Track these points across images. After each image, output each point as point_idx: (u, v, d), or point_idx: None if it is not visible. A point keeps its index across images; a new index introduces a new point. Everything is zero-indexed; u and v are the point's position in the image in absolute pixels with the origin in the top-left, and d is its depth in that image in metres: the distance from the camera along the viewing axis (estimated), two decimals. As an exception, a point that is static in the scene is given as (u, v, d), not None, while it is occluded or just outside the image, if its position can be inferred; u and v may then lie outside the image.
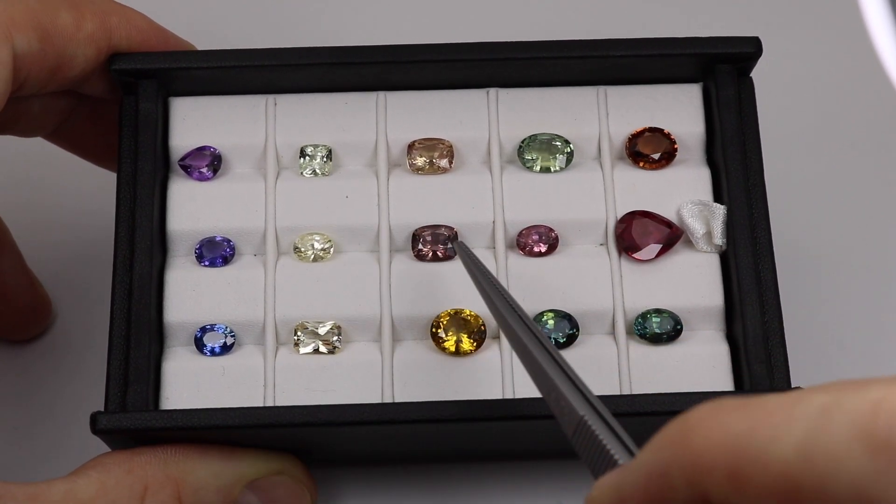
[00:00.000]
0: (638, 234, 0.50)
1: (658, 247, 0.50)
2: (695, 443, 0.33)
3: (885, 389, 0.30)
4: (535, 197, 0.51)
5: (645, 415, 0.47)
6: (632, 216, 0.51)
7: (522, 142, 0.52)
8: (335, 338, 0.50)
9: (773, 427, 0.31)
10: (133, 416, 0.47)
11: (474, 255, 0.47)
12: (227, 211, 0.51)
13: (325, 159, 0.52)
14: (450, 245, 0.51)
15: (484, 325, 0.50)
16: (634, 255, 0.51)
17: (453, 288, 0.50)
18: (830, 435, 0.31)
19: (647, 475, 0.34)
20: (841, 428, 0.30)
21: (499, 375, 0.49)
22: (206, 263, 0.51)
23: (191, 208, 0.51)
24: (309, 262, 0.51)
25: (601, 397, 0.47)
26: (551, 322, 0.50)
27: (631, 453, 0.38)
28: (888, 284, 0.58)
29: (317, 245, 0.51)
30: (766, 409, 0.32)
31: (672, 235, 0.51)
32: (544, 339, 0.42)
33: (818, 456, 0.31)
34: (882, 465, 0.30)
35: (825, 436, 0.31)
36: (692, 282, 0.50)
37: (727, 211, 0.50)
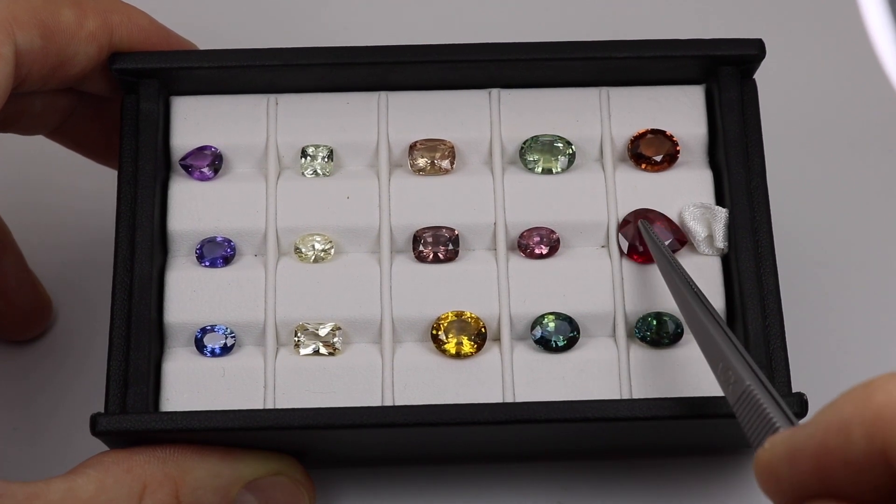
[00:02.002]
0: (642, 238, 0.50)
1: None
2: (877, 398, 0.35)
3: None
4: (536, 198, 0.51)
5: (646, 419, 0.47)
6: (640, 215, 0.51)
7: (524, 143, 0.52)
8: (335, 339, 0.50)
9: None
10: (133, 418, 0.47)
11: (655, 233, 0.50)
12: (227, 211, 0.51)
13: (326, 159, 0.52)
14: (451, 246, 0.51)
15: (485, 327, 0.50)
16: (634, 257, 0.50)
17: (454, 290, 0.50)
18: None
19: (825, 429, 0.36)
20: None
21: (499, 378, 0.49)
22: (207, 264, 0.51)
23: (191, 208, 0.51)
24: (310, 263, 0.51)
25: (601, 402, 0.47)
26: (552, 324, 0.50)
27: (791, 422, 0.41)
28: (890, 287, 0.58)
29: (317, 246, 0.51)
30: None
31: (675, 242, 0.50)
32: (717, 316, 0.45)
33: None
34: None
35: None
36: (694, 285, 0.50)
37: (729, 214, 0.50)
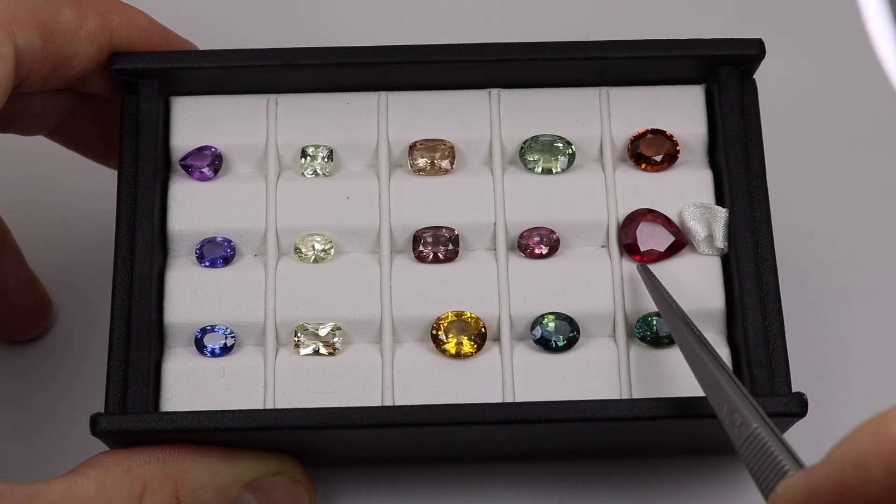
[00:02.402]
0: (643, 235, 0.50)
1: (658, 253, 0.50)
2: (894, 430, 0.34)
3: None
4: (536, 198, 0.51)
5: (646, 419, 0.47)
6: (642, 215, 0.51)
7: (524, 143, 0.52)
8: (335, 339, 0.50)
9: None
10: (133, 419, 0.47)
11: (654, 276, 0.49)
12: (227, 211, 0.51)
13: (326, 160, 0.52)
14: (451, 246, 0.51)
15: (484, 327, 0.50)
16: (635, 257, 0.50)
17: (454, 290, 0.50)
18: None
19: (842, 467, 0.35)
20: None
21: (499, 378, 0.49)
22: (207, 264, 0.51)
23: (191, 208, 0.51)
24: (309, 263, 0.51)
25: (601, 402, 0.47)
26: (552, 324, 0.50)
27: (800, 465, 0.39)
28: (890, 288, 0.58)
29: (317, 246, 0.51)
30: None
31: (676, 244, 0.50)
32: (719, 357, 0.45)
33: None
34: None
35: None
36: (693, 285, 0.50)
37: (729, 214, 0.50)
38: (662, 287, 0.48)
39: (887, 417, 0.35)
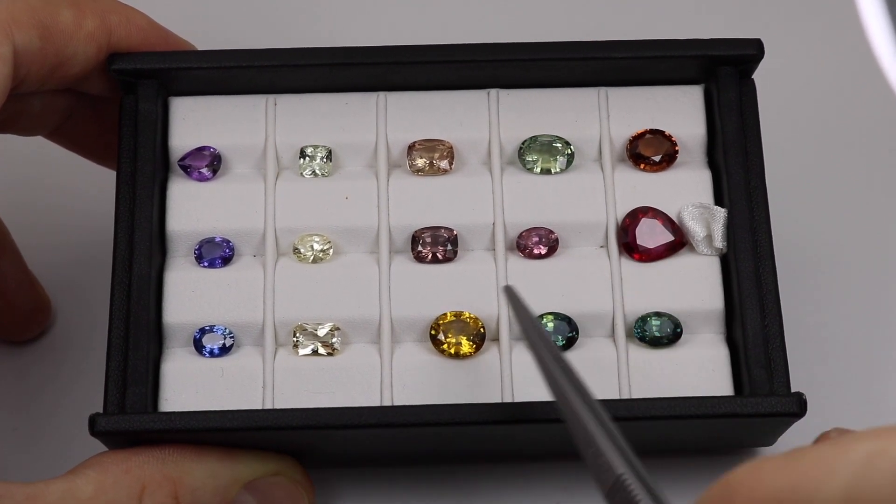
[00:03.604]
0: (642, 234, 0.50)
1: (657, 252, 0.50)
2: (739, 502, 0.33)
3: None
4: (535, 199, 0.51)
5: (644, 419, 0.46)
6: (643, 213, 0.51)
7: (523, 143, 0.52)
8: (334, 339, 0.50)
9: (816, 480, 0.31)
10: (131, 419, 0.47)
11: (521, 302, 0.46)
12: (226, 211, 0.51)
13: (324, 160, 0.52)
14: (449, 246, 0.51)
15: (483, 327, 0.50)
16: (634, 256, 0.50)
17: (453, 290, 0.50)
18: (875, 482, 0.30)
19: None
20: (886, 475, 0.30)
21: (498, 378, 0.49)
22: (206, 264, 0.51)
23: (190, 209, 0.51)
24: (308, 264, 0.51)
25: (600, 401, 0.47)
26: (551, 325, 0.50)
27: None
28: (889, 288, 0.58)
29: (316, 246, 0.51)
30: (808, 463, 0.32)
31: (676, 243, 0.50)
32: (587, 394, 0.42)
33: (863, 503, 0.30)
34: None
35: (870, 483, 0.30)
36: (692, 285, 0.50)
37: (728, 214, 0.50)
38: (531, 314, 0.45)
39: (732, 484, 0.33)
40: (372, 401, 0.49)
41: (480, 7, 0.64)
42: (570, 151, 0.52)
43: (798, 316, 0.56)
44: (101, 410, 0.47)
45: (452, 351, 0.49)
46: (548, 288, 0.50)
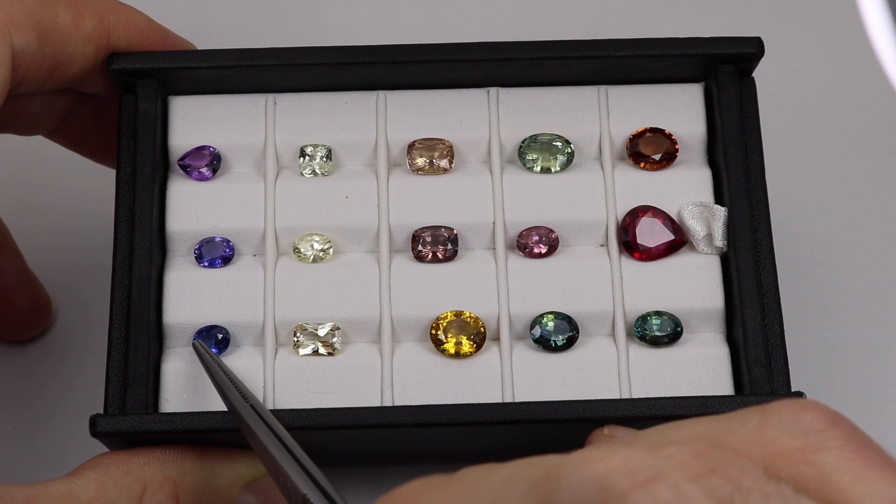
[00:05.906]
0: (642, 233, 0.50)
1: (658, 251, 0.50)
2: None
3: (559, 460, 0.34)
4: (535, 197, 0.51)
5: (645, 419, 0.46)
6: (643, 212, 0.51)
7: (523, 142, 0.52)
8: (335, 339, 0.50)
9: (464, 499, 0.35)
10: (132, 419, 0.47)
11: (210, 353, 0.48)
12: (226, 211, 0.51)
13: (324, 159, 0.52)
14: (449, 246, 0.51)
15: (484, 327, 0.50)
16: (634, 255, 0.50)
17: (453, 289, 0.50)
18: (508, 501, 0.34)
19: None
20: (518, 498, 0.34)
21: (498, 378, 0.49)
22: (206, 264, 0.51)
23: (190, 208, 0.51)
24: (308, 263, 0.51)
25: (601, 401, 0.47)
26: (551, 324, 0.49)
27: None
28: (890, 287, 0.58)
29: (316, 245, 0.51)
30: (462, 483, 0.35)
31: (676, 242, 0.50)
32: (274, 424, 0.44)
33: None
34: None
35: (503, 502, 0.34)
36: (692, 284, 0.50)
37: (728, 212, 0.50)
38: (215, 356, 0.48)
39: (397, 500, 0.36)
40: (372, 401, 0.49)
41: (480, 6, 0.64)
42: (570, 150, 0.52)
43: (798, 315, 0.56)
44: (101, 411, 0.47)
45: (453, 350, 0.49)
46: (548, 287, 0.50)
